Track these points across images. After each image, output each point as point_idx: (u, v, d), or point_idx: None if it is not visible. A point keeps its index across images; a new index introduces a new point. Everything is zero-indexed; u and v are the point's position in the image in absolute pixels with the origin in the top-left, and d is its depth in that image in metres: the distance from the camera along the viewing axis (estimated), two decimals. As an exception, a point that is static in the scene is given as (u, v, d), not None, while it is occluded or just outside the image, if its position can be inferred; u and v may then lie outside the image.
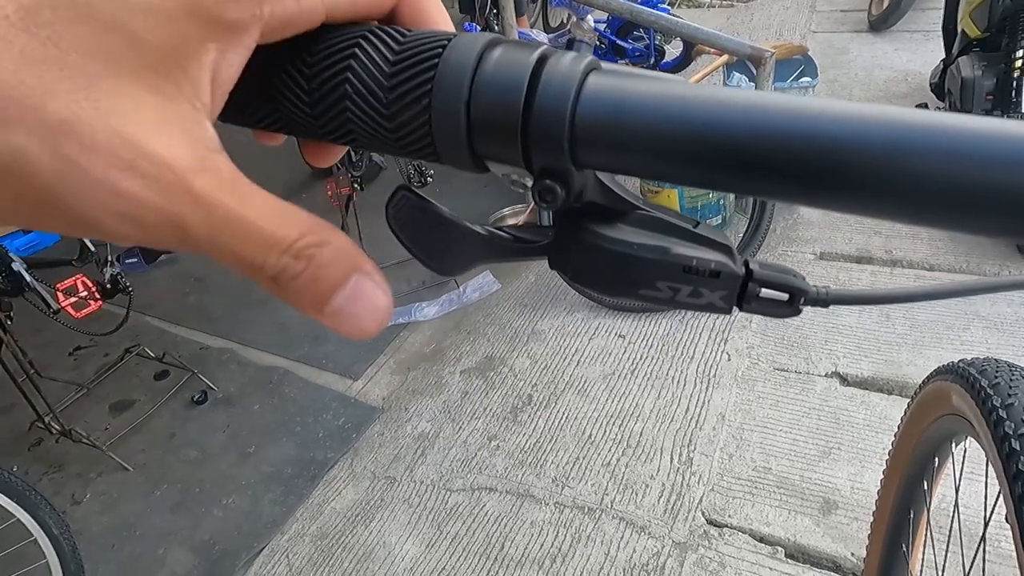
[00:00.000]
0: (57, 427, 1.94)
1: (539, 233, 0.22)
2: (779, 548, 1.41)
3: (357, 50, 0.20)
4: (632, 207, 0.21)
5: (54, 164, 0.16)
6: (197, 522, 1.75)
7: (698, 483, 1.56)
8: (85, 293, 1.84)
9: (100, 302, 1.88)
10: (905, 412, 0.86)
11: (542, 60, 0.19)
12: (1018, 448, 0.55)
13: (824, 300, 0.22)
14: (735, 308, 0.21)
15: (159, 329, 2.47)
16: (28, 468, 1.98)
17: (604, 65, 0.20)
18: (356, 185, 2.44)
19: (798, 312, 0.22)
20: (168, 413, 2.10)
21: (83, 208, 0.17)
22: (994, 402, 0.59)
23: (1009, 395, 0.59)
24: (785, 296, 0.21)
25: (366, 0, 0.21)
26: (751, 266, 0.21)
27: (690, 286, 0.20)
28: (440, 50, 0.19)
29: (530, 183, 0.20)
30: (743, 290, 0.21)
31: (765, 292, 0.21)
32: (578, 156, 0.19)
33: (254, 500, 1.78)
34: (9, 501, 1.33)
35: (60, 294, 1.80)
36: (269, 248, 0.18)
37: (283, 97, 0.21)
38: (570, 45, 2.52)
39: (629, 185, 0.21)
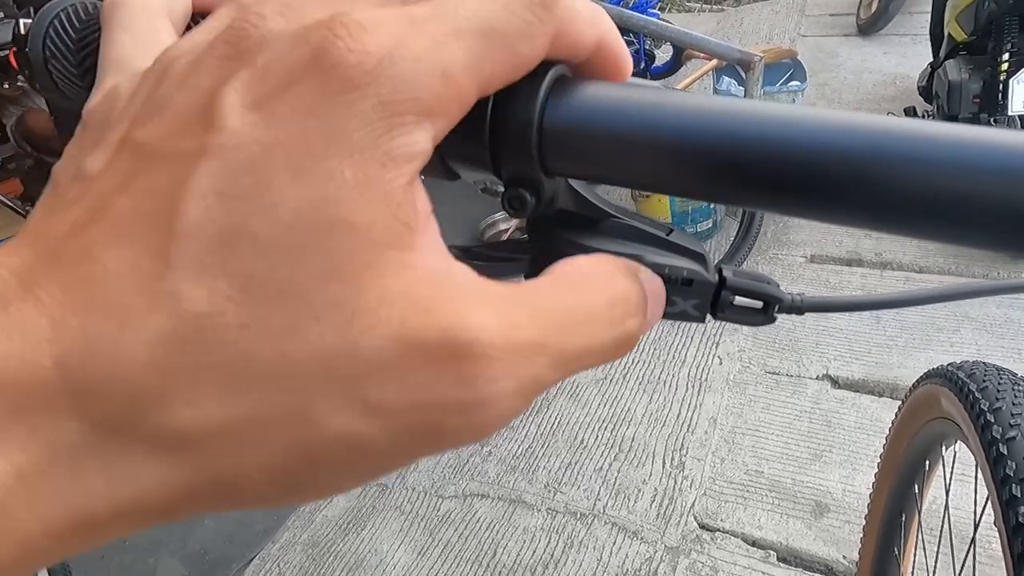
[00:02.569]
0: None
1: (517, 248, 0.22)
2: (771, 552, 1.40)
3: None
4: (605, 215, 0.21)
5: (389, 421, 0.13)
6: (188, 531, 1.73)
7: (690, 487, 1.56)
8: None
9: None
10: (896, 416, 0.86)
11: None
12: (1005, 453, 0.55)
13: (799, 307, 0.22)
14: (708, 316, 0.21)
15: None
16: (15, 478, 1.96)
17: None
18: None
19: (772, 320, 0.21)
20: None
21: (457, 432, 0.14)
22: (982, 406, 0.59)
23: (997, 399, 0.59)
24: (759, 304, 0.21)
25: (518, 71, 0.17)
26: (724, 273, 0.21)
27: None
28: None
29: (502, 189, 0.20)
30: (716, 298, 0.21)
31: (739, 300, 0.21)
32: (548, 164, 0.19)
33: (244, 509, 1.77)
34: None
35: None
36: (625, 303, 0.17)
37: None
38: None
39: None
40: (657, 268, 0.20)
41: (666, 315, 0.21)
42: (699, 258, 0.21)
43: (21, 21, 0.30)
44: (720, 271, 0.21)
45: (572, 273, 0.17)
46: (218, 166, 0.13)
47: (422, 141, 0.14)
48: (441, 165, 0.20)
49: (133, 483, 0.13)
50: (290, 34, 0.15)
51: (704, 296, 0.20)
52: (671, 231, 0.21)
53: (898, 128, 0.16)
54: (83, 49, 0.26)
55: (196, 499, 0.14)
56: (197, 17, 0.22)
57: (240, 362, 0.13)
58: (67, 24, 0.27)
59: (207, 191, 0.13)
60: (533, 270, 0.22)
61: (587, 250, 0.20)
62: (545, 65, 0.19)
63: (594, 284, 0.17)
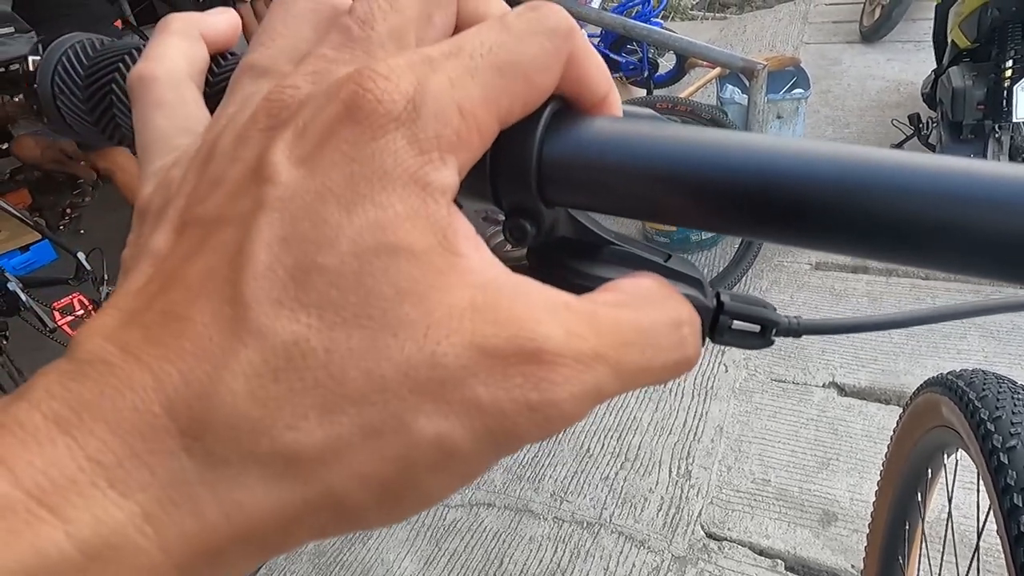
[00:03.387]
0: (54, 447, 1.92)
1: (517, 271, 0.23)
2: (779, 561, 1.40)
3: None
4: (605, 241, 0.22)
5: (478, 417, 0.14)
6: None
7: (697, 496, 1.56)
8: (82, 312, 1.84)
9: (97, 321, 1.88)
10: (897, 424, 0.86)
11: None
12: (1006, 461, 0.55)
13: (796, 330, 0.23)
14: (707, 340, 0.22)
15: (156, 347, 2.47)
16: (25, 488, 1.97)
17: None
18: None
19: (770, 343, 0.22)
20: (166, 431, 2.09)
21: (534, 426, 0.15)
22: (982, 415, 0.59)
23: (997, 408, 0.59)
24: (756, 328, 0.22)
25: (535, 100, 0.18)
26: (722, 298, 0.21)
27: None
28: None
29: (503, 218, 0.21)
30: (714, 323, 0.21)
31: (737, 324, 0.22)
32: (546, 194, 0.19)
33: (252, 518, 1.77)
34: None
35: (56, 313, 1.80)
36: (687, 325, 0.17)
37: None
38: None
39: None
40: None
41: None
42: (697, 284, 0.21)
43: (30, 58, 0.31)
44: (718, 296, 0.22)
45: (634, 290, 0.18)
46: (277, 216, 0.15)
47: (449, 175, 0.16)
48: None
49: (248, 509, 0.14)
50: (322, 93, 0.16)
51: (703, 321, 0.21)
52: (669, 257, 0.22)
53: (888, 160, 0.16)
54: (91, 86, 0.27)
55: (309, 520, 0.15)
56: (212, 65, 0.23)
57: (331, 383, 0.14)
58: (75, 61, 0.27)
59: (270, 239, 0.14)
60: None
61: (587, 277, 0.21)
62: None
63: (656, 303, 0.17)
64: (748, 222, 0.18)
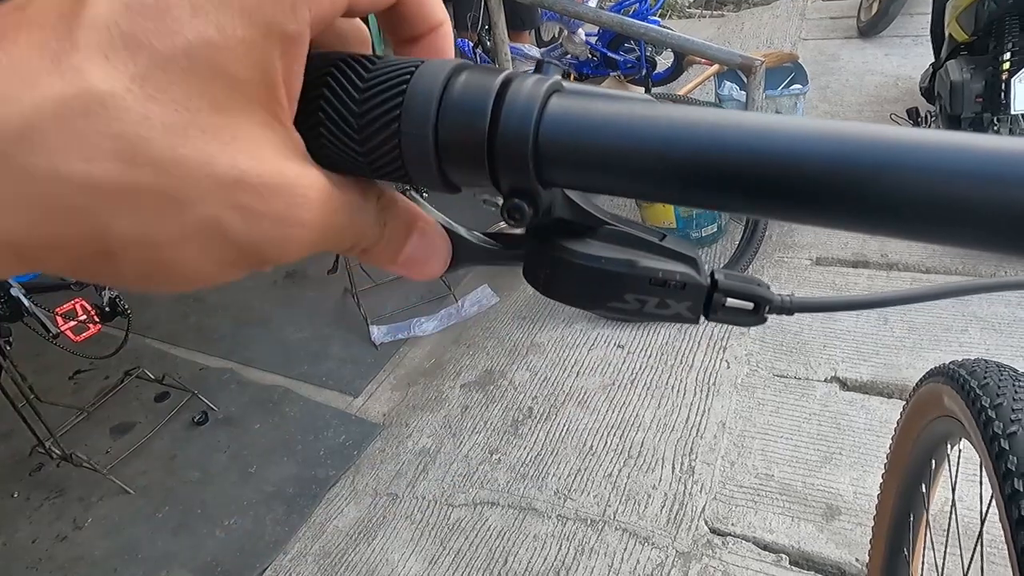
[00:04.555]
0: (58, 451, 1.93)
1: (517, 241, 0.23)
2: (783, 556, 1.40)
3: (330, 78, 0.20)
4: (600, 222, 0.22)
5: (244, 221, 0.17)
6: (199, 544, 1.74)
7: (700, 492, 1.56)
8: (84, 316, 1.84)
9: (99, 325, 1.88)
10: (900, 416, 0.86)
11: (506, 83, 0.20)
12: (1007, 448, 0.55)
13: (788, 308, 0.23)
14: (702, 317, 0.22)
15: (159, 351, 2.48)
16: (29, 494, 1.98)
17: (567, 85, 0.21)
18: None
19: (763, 320, 0.22)
20: (169, 435, 2.10)
21: (271, 251, 0.18)
22: (983, 403, 0.59)
23: (998, 395, 0.59)
24: (750, 305, 0.22)
25: None
26: (716, 276, 0.22)
27: (656, 297, 0.21)
28: (408, 76, 0.20)
29: (500, 201, 0.21)
30: (708, 300, 0.22)
31: (731, 302, 0.22)
32: (543, 175, 0.20)
33: (256, 520, 1.77)
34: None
35: (59, 318, 1.81)
36: (372, 225, 0.22)
37: None
38: (538, 68, 2.54)
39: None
40: (651, 272, 0.21)
41: (661, 317, 0.22)
42: (692, 262, 0.22)
43: None
44: (712, 274, 0.22)
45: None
46: None
47: (299, 26, 0.18)
48: (442, 179, 0.21)
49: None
50: None
51: (697, 298, 0.21)
52: (664, 236, 0.22)
53: (900, 135, 0.17)
54: None
55: (66, 246, 0.16)
56: None
57: (139, 142, 0.16)
58: None
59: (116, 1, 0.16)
60: (527, 271, 0.23)
61: (584, 257, 0.21)
62: (539, 81, 0.20)
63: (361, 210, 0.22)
64: (746, 197, 0.18)
